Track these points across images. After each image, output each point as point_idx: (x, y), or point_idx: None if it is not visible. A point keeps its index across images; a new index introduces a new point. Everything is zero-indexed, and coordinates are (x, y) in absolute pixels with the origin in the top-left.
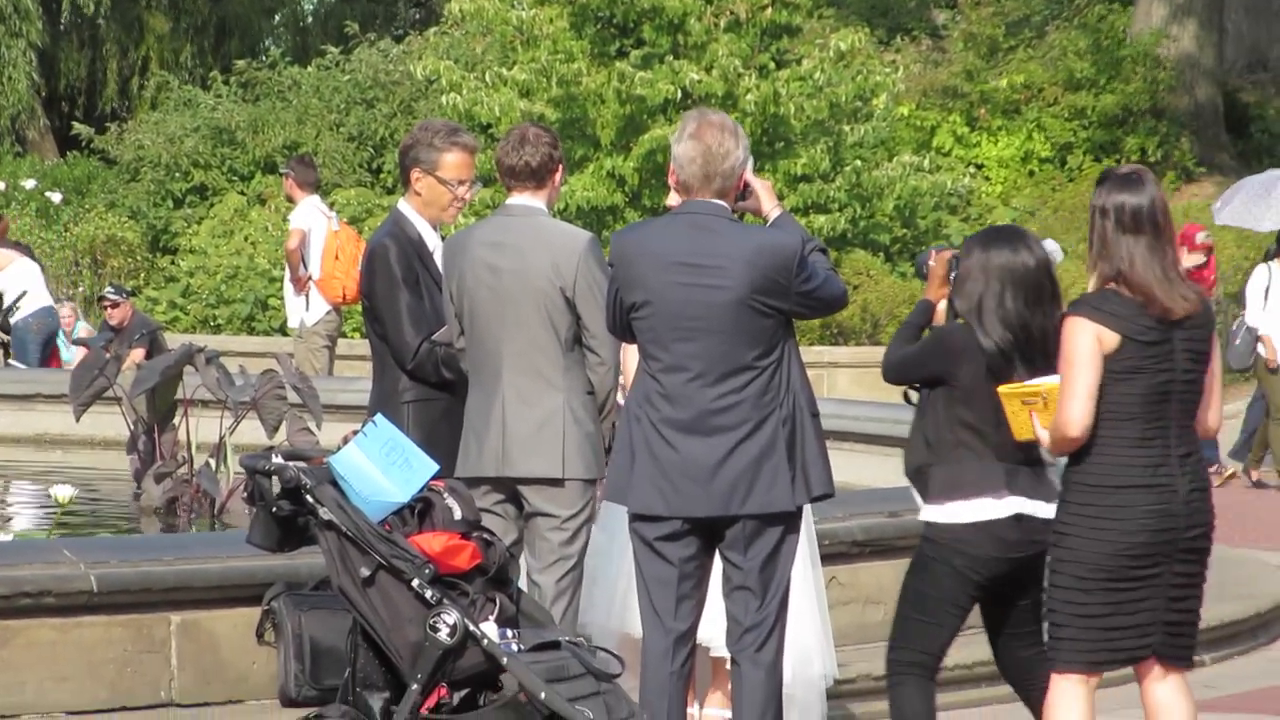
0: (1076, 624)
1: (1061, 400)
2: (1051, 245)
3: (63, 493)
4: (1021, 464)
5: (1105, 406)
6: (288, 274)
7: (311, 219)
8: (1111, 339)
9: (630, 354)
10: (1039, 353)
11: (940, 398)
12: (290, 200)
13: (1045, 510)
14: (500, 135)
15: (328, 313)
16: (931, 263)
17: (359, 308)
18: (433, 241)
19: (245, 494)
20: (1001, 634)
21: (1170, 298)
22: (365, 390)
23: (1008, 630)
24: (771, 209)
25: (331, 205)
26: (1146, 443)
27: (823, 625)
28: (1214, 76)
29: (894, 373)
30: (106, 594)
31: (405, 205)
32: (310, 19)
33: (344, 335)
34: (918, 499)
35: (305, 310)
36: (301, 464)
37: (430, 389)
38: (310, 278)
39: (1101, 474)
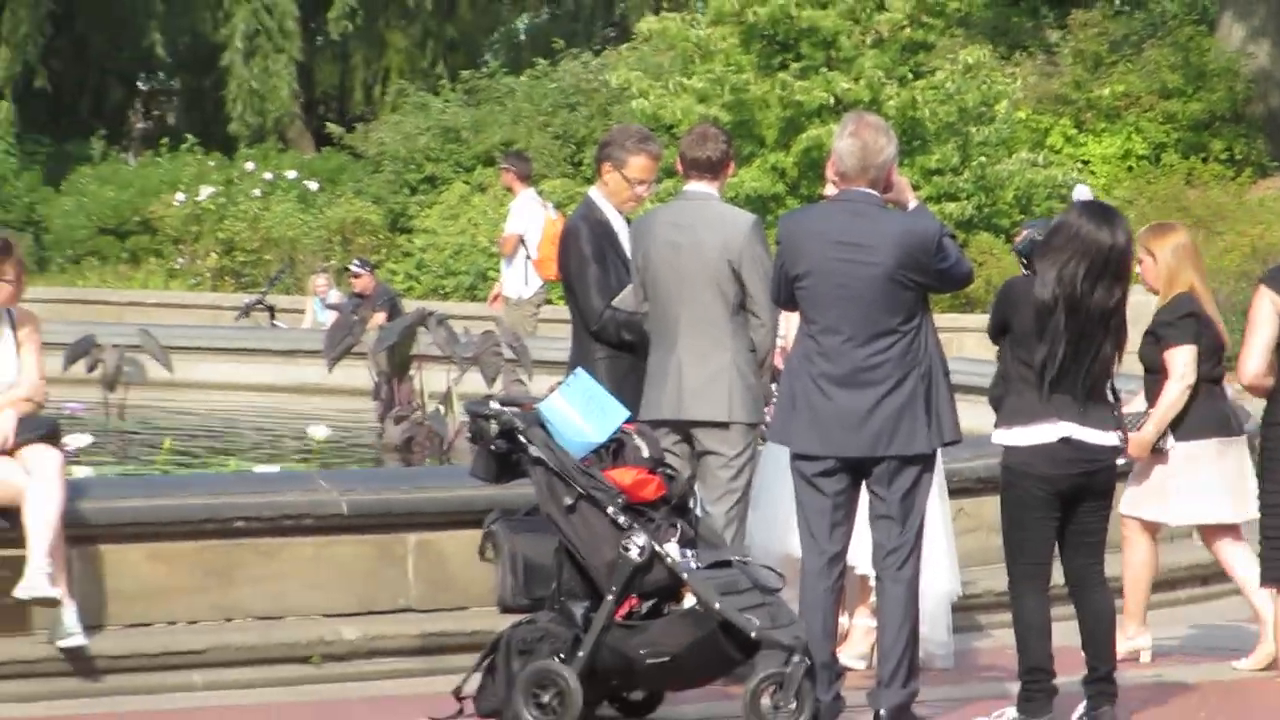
0: (1266, 544)
1: (1241, 353)
2: (1082, 189)
3: (318, 432)
4: (1077, 395)
5: None
6: (504, 256)
7: (530, 212)
8: None
9: (791, 321)
10: (1086, 319)
11: (1009, 340)
12: (509, 190)
13: (1096, 436)
14: (681, 134)
15: (540, 288)
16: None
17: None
18: (618, 224)
19: (469, 434)
20: (1065, 544)
21: None
22: (568, 348)
23: (1069, 541)
24: (910, 200)
25: (540, 194)
26: None
27: (949, 549)
28: None
29: (990, 331)
30: (355, 517)
31: (596, 193)
32: (523, 36)
33: (549, 303)
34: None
35: (524, 285)
36: (515, 409)
37: (619, 348)
38: (528, 257)
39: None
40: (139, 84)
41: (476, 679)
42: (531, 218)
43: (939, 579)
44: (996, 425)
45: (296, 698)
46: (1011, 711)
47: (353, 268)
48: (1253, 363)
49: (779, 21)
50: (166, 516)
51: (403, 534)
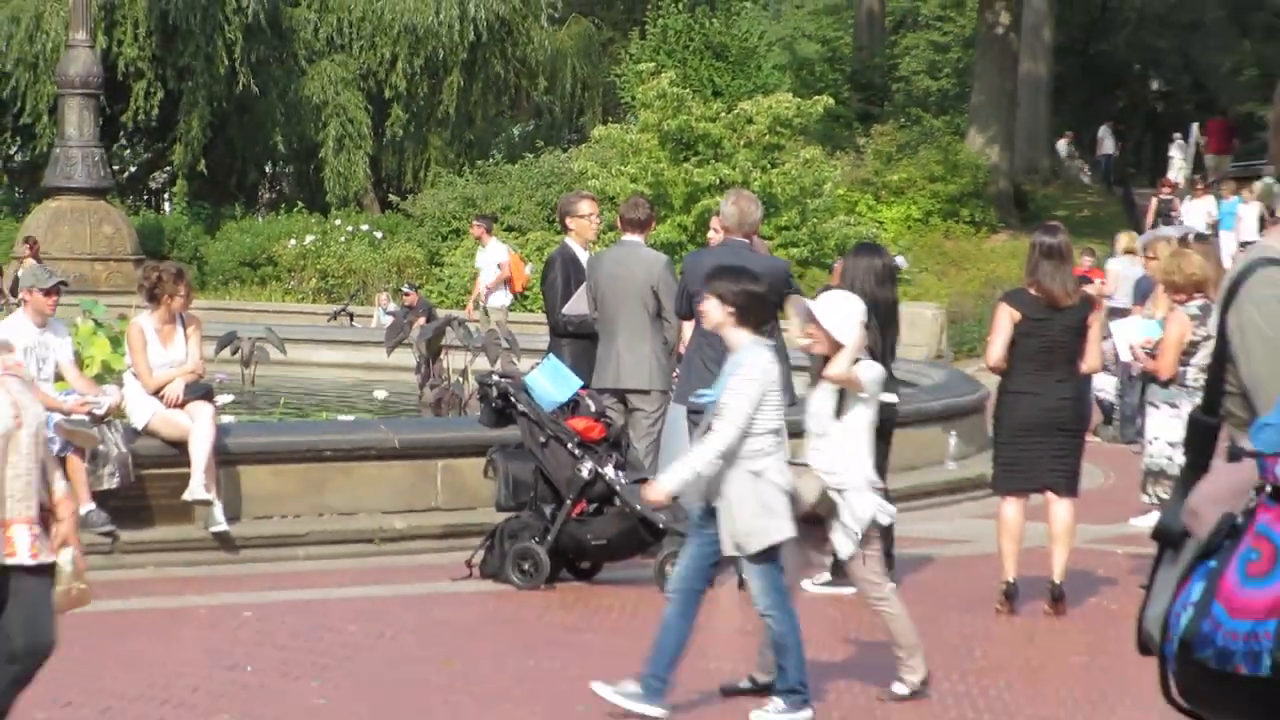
0: (998, 466)
1: (988, 345)
2: (900, 259)
3: (379, 395)
4: (885, 364)
5: (1016, 351)
6: (480, 285)
7: (499, 251)
8: (1016, 315)
9: (686, 327)
10: (880, 312)
11: None
12: (479, 240)
13: (889, 397)
14: (620, 203)
15: (511, 300)
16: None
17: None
18: (583, 256)
19: (478, 397)
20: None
21: (1059, 296)
22: (544, 341)
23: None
24: (764, 249)
25: (525, 242)
26: (1034, 371)
27: None
28: (1008, 175)
29: None
30: (403, 449)
31: (568, 239)
32: (518, 138)
33: (512, 310)
34: None
35: (504, 298)
36: (509, 380)
37: (576, 339)
38: (507, 279)
39: (1011, 386)
40: (266, 168)
41: (481, 554)
42: (501, 255)
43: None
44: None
45: (365, 566)
46: (826, 575)
47: (404, 289)
48: (995, 352)
49: (684, 130)
50: (282, 448)
51: (434, 460)
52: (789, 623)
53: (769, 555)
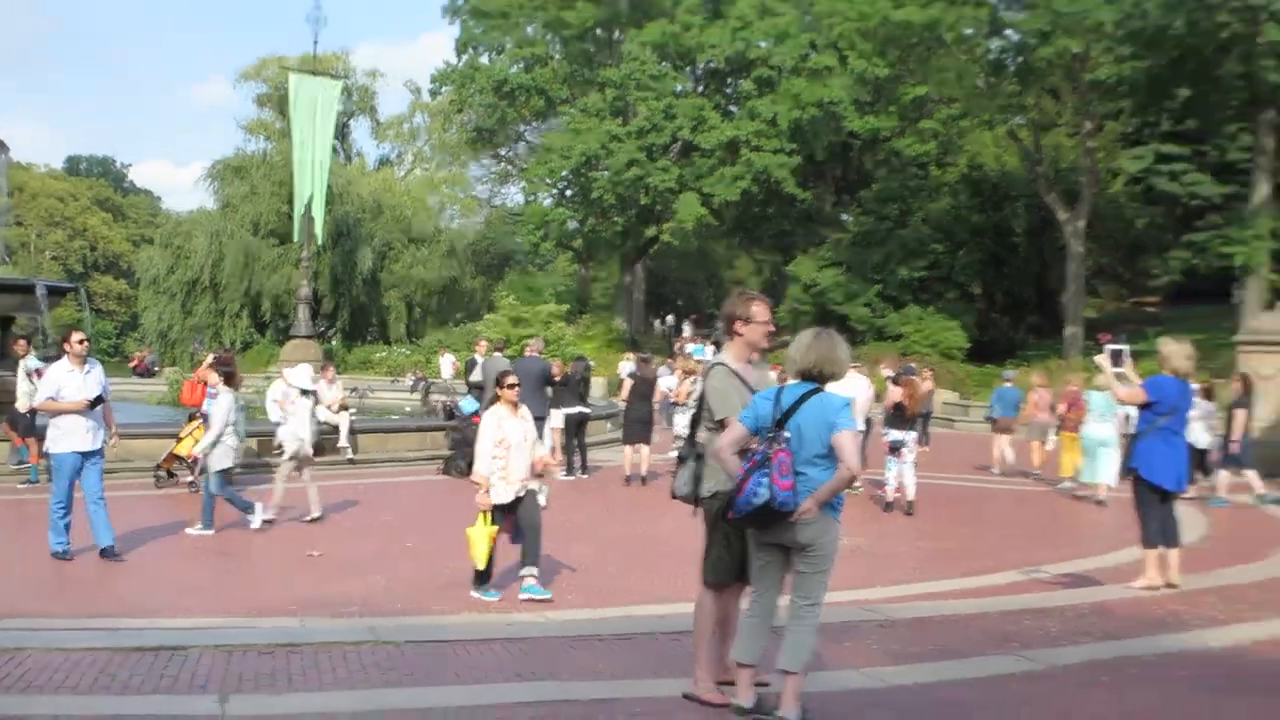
0: (625, 433)
1: (620, 391)
2: (591, 362)
3: (408, 409)
4: (579, 398)
5: (631, 394)
6: (445, 371)
7: (450, 359)
8: (631, 381)
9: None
10: (586, 381)
11: (555, 388)
12: (441, 354)
13: (585, 410)
14: (494, 341)
15: (454, 374)
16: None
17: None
18: (480, 361)
19: (444, 410)
20: (579, 431)
21: (648, 376)
22: (464, 390)
23: (579, 431)
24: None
25: (460, 355)
26: (637, 401)
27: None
28: (629, 334)
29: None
30: (416, 428)
31: (476, 354)
32: (460, 317)
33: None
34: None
35: (450, 372)
36: (454, 403)
37: (478, 389)
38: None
39: (630, 407)
40: (370, 328)
41: (442, 464)
42: (450, 359)
43: (544, 443)
44: (551, 409)
45: (408, 474)
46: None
47: (417, 372)
48: (624, 394)
49: (518, 318)
50: (374, 428)
51: (431, 433)
52: (223, 489)
53: (219, 474)
